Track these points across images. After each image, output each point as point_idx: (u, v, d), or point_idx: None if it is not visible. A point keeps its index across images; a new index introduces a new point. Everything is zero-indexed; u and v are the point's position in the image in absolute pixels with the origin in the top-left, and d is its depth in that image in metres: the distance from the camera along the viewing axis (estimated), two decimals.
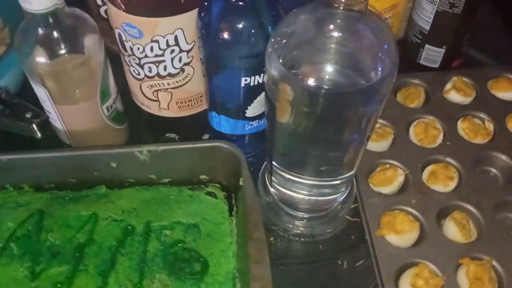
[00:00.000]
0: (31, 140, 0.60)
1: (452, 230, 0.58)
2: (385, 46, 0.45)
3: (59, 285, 0.53)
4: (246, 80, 0.51)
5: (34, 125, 0.57)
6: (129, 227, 0.57)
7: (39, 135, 0.58)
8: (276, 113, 0.47)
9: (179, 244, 0.57)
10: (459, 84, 0.70)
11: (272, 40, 0.45)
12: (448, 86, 0.71)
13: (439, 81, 0.72)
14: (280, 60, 0.43)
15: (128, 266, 0.54)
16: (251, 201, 0.54)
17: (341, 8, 0.41)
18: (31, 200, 0.59)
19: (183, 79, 0.57)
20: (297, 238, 0.61)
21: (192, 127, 0.66)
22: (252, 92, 0.53)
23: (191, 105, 0.61)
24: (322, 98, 0.44)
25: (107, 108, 0.60)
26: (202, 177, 0.62)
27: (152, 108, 0.62)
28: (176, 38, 0.53)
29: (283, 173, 0.55)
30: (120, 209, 0.59)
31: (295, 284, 0.58)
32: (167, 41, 0.53)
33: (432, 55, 0.73)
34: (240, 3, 0.47)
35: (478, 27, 0.74)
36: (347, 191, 0.60)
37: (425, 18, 0.70)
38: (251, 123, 0.58)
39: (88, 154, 0.58)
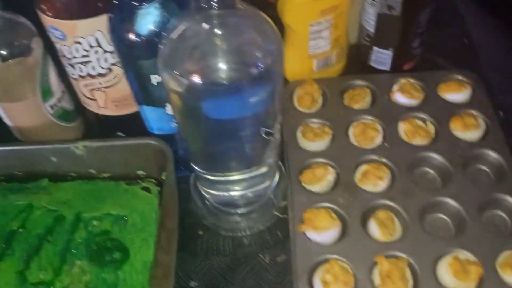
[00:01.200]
0: None
1: (374, 228, 0.58)
2: (264, 36, 0.46)
3: None
4: (156, 79, 0.54)
5: None
6: (60, 216, 0.61)
7: None
8: (175, 115, 0.50)
9: (104, 234, 0.60)
10: (407, 87, 0.70)
11: (161, 47, 0.48)
12: (395, 88, 0.70)
13: (388, 84, 0.71)
14: (171, 65, 0.46)
15: (52, 252, 0.58)
16: (169, 193, 0.57)
17: (214, 7, 0.44)
18: None
19: (113, 79, 0.61)
20: (225, 233, 0.63)
21: (139, 126, 0.68)
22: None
23: (127, 104, 0.64)
24: (208, 96, 0.46)
25: (51, 107, 0.64)
26: (139, 172, 0.65)
27: (92, 107, 0.65)
28: (97, 40, 0.56)
29: (207, 176, 0.58)
30: (56, 200, 0.62)
31: (216, 277, 0.59)
32: (89, 42, 0.56)
33: (380, 57, 0.73)
34: (140, 7, 0.50)
35: (434, 30, 0.73)
36: (275, 178, 0.61)
37: (369, 21, 0.70)
38: (175, 120, 0.60)
39: (28, 149, 0.63)
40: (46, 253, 0.58)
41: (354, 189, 0.62)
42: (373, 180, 0.61)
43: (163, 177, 0.59)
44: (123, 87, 0.62)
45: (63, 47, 0.58)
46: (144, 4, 0.49)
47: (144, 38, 0.50)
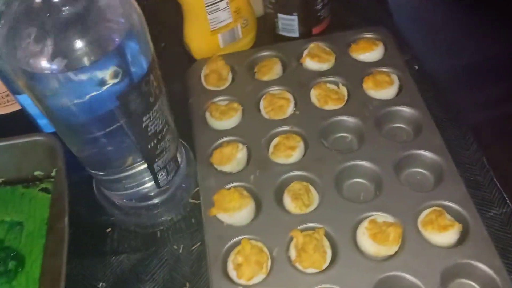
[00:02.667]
0: None
1: (287, 202, 0.54)
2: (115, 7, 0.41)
3: None
4: None
5: None
6: None
7: None
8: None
9: None
10: (315, 51, 0.66)
11: None
12: (304, 53, 0.67)
13: (297, 51, 0.68)
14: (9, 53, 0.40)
15: None
16: (57, 192, 0.52)
17: None
18: None
19: None
20: (135, 229, 0.58)
21: (30, 127, 0.63)
22: None
23: (11, 100, 0.59)
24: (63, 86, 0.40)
25: None
26: (36, 173, 0.60)
27: None
28: None
29: (105, 177, 0.53)
30: None
31: (126, 274, 0.55)
32: None
33: (287, 24, 0.69)
34: None
35: None
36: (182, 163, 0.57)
37: None
38: None
39: None
40: None
41: (266, 164, 0.58)
42: (285, 151, 0.58)
43: (53, 174, 0.54)
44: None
45: None
46: None
47: None
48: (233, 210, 0.53)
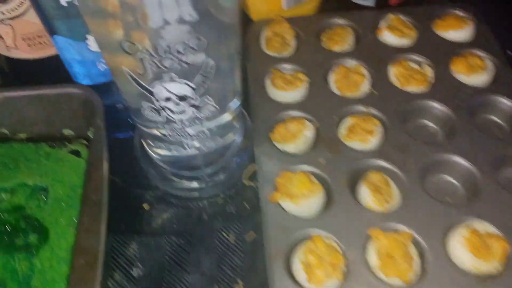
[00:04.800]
0: None
1: (365, 195, 0.46)
2: None
3: None
4: None
5: None
6: None
7: None
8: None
9: (16, 211, 0.45)
10: (396, 23, 0.57)
11: None
12: (382, 25, 0.58)
13: (373, 21, 0.59)
14: None
15: None
16: (97, 157, 0.43)
17: None
18: None
19: (18, 7, 0.46)
20: (178, 205, 0.50)
21: (64, 75, 0.54)
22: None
23: (44, 43, 0.49)
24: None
25: None
26: (65, 131, 0.51)
27: (0, 48, 0.50)
28: None
29: (154, 131, 0.43)
30: None
31: (165, 261, 0.46)
32: None
33: None
34: None
35: None
36: (239, 132, 0.48)
37: None
38: (103, 60, 0.46)
39: None
40: None
41: (339, 146, 0.49)
42: (362, 135, 0.49)
43: (90, 135, 0.45)
44: (34, 18, 0.47)
45: None
46: None
47: None
48: (301, 197, 0.45)
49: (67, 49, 0.45)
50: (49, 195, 0.46)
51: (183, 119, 0.39)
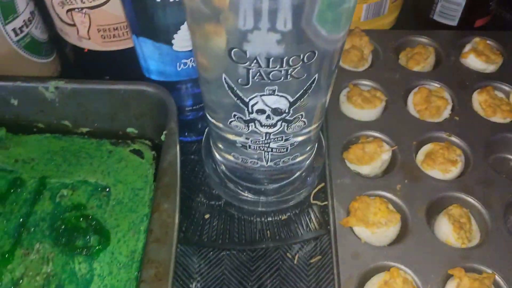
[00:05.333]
0: None
1: (445, 229, 0.43)
2: None
3: None
4: None
5: None
6: (18, 180, 0.44)
7: None
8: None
9: (77, 209, 0.43)
10: (481, 47, 0.54)
11: None
12: (467, 48, 0.55)
13: (456, 42, 0.56)
14: None
15: (2, 229, 0.41)
16: (170, 160, 0.41)
17: None
18: None
19: None
20: (240, 218, 0.47)
21: (134, 69, 0.52)
22: (174, 11, 0.39)
23: (118, 35, 0.47)
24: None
25: (15, 31, 0.47)
26: (129, 130, 0.48)
27: (71, 37, 0.48)
28: None
29: (227, 135, 0.41)
30: (13, 158, 0.46)
31: (225, 277, 0.44)
32: None
33: (449, 9, 0.57)
34: None
35: None
36: (309, 157, 0.45)
37: None
38: (184, 61, 0.43)
39: None
40: None
41: (416, 173, 0.46)
42: (443, 164, 0.46)
43: (162, 139, 0.42)
44: (113, 11, 0.45)
45: None
46: None
47: None
48: (378, 225, 0.42)
49: (147, 47, 0.43)
50: (111, 196, 0.44)
51: (270, 132, 0.37)
